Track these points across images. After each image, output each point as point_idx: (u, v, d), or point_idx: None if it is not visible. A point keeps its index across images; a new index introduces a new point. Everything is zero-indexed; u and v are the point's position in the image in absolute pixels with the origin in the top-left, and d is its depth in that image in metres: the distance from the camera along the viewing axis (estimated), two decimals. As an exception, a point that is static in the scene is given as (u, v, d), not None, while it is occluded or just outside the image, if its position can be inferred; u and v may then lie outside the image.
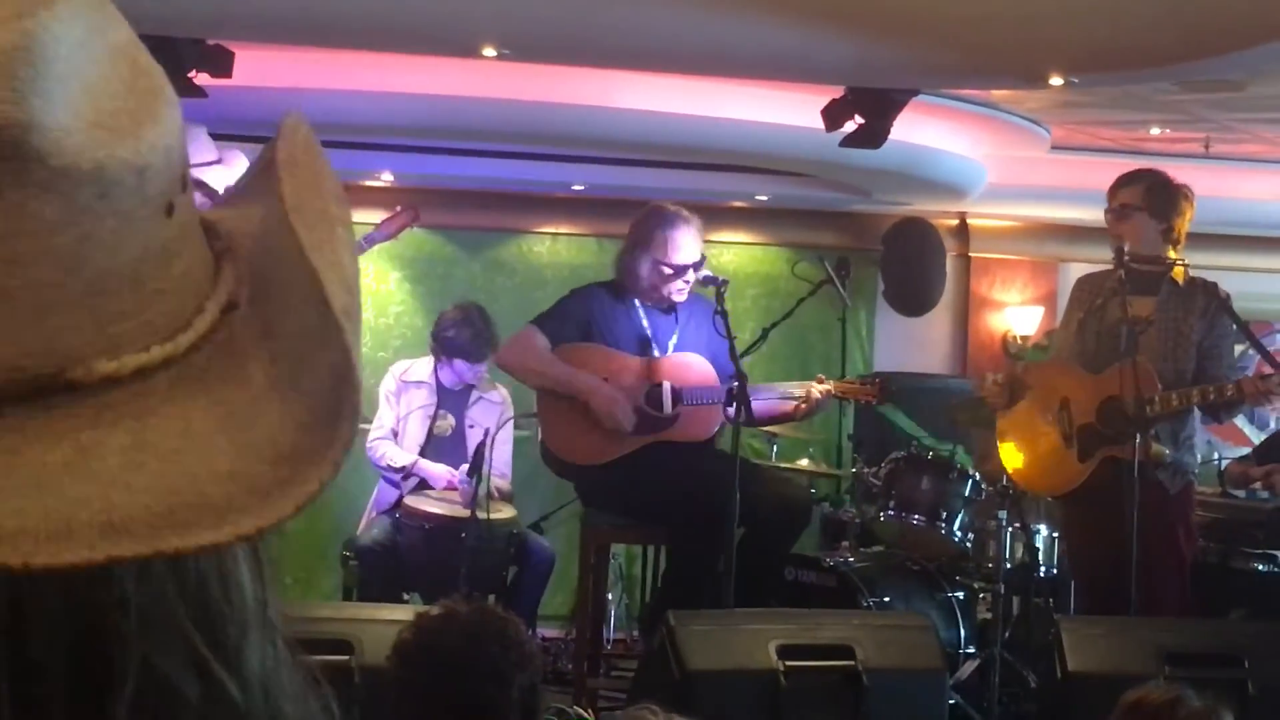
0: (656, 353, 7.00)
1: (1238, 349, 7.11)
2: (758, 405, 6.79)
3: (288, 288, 0.87)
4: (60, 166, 0.79)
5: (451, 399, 8.36)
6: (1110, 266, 6.78)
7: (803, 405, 7.00)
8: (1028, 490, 7.31)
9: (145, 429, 0.82)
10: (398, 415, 8.29)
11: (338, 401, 0.84)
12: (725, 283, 6.91)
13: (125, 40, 0.86)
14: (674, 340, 7.03)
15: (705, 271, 6.98)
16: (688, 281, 6.96)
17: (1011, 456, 6.95)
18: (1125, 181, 6.83)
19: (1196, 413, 6.66)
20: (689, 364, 6.99)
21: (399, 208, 7.91)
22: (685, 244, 6.96)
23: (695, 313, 7.04)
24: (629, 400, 6.88)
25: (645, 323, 7.02)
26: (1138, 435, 6.23)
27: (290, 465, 0.82)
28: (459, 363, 8.23)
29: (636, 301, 7.03)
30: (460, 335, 8.19)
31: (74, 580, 0.77)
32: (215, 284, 0.88)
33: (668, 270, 6.93)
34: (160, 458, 0.81)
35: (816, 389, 7.00)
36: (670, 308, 7.06)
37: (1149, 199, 6.70)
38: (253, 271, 0.90)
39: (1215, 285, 6.75)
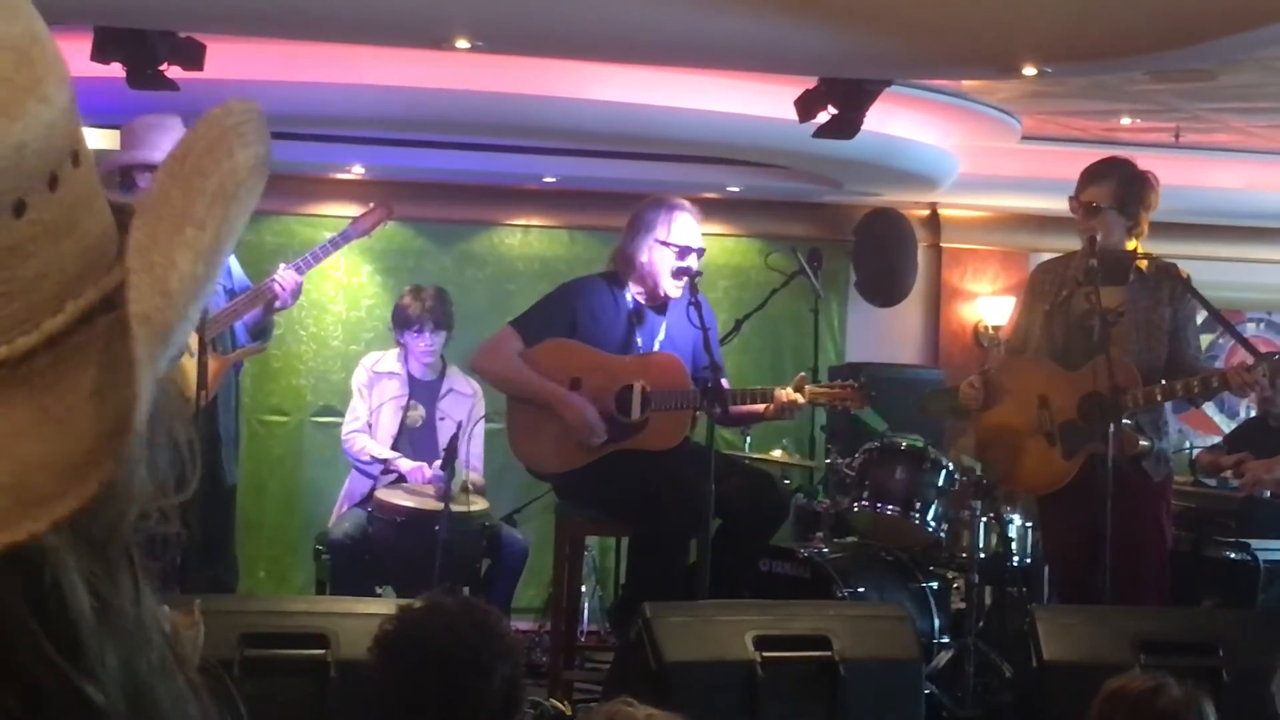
0: (639, 345, 6.96)
1: (1208, 336, 7.12)
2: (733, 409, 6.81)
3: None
4: None
5: (422, 390, 8.36)
6: (1068, 255, 6.80)
7: (771, 408, 6.96)
8: (1013, 490, 7.33)
9: None
10: (370, 407, 8.29)
11: (122, 414, 0.81)
12: (698, 274, 6.91)
13: (19, 33, 0.84)
14: (660, 337, 7.00)
15: (690, 270, 6.94)
16: (689, 267, 6.90)
17: (994, 457, 6.96)
18: (1094, 177, 6.79)
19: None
20: (663, 365, 6.93)
21: (372, 204, 7.91)
22: (687, 225, 6.97)
23: (679, 308, 7.00)
24: (599, 405, 6.84)
25: (635, 316, 6.98)
26: (1110, 427, 6.23)
27: (71, 479, 0.80)
28: (412, 339, 8.27)
29: (630, 294, 6.99)
30: (410, 307, 8.27)
31: None
32: (100, 280, 0.86)
33: (672, 249, 6.90)
34: None
35: (785, 396, 6.92)
36: (663, 305, 7.00)
37: (1118, 196, 6.69)
38: None
39: (1175, 267, 6.73)
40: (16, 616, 0.80)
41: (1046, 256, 7.54)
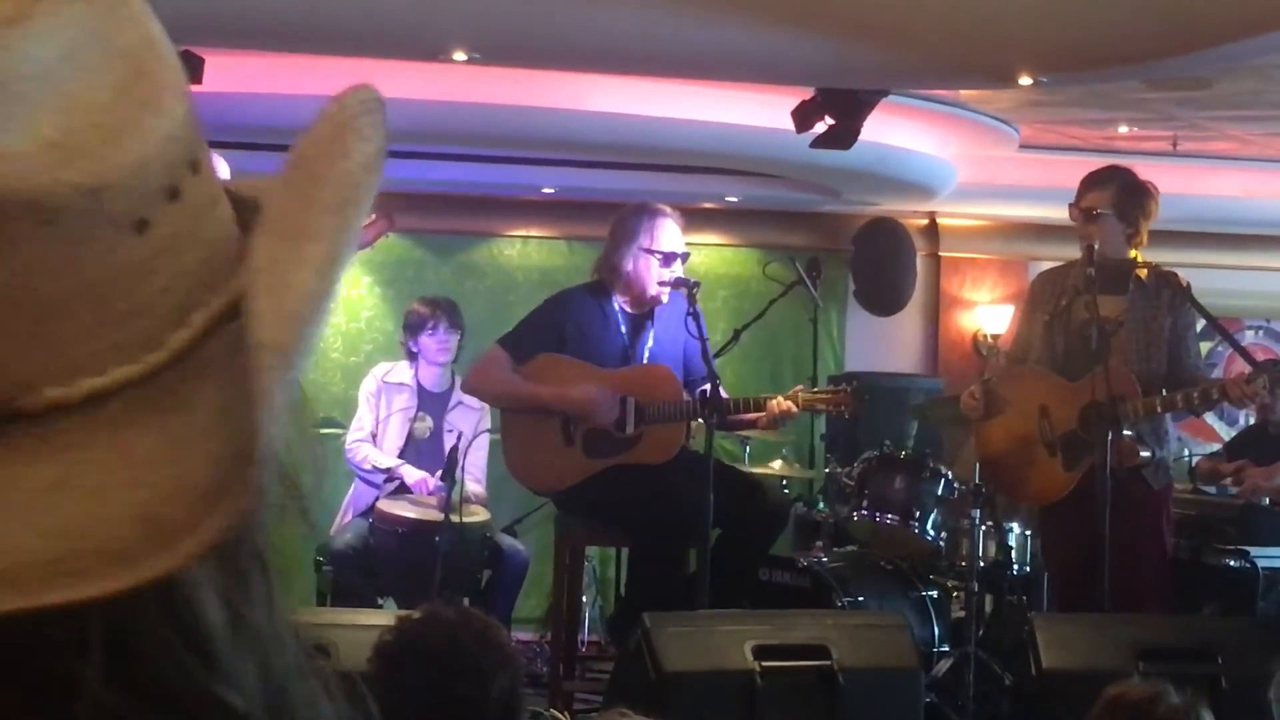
0: (627, 357, 6.94)
1: (1206, 345, 7.13)
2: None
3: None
4: None
5: (431, 402, 8.37)
6: (1068, 264, 6.80)
7: (764, 418, 6.94)
8: (1015, 502, 7.33)
9: (78, 462, 0.78)
10: (377, 418, 8.29)
11: (251, 443, 0.78)
12: (697, 285, 6.89)
13: (136, 40, 0.82)
14: (649, 344, 6.99)
15: (678, 273, 6.94)
16: (673, 275, 6.88)
17: (996, 468, 6.96)
18: (1094, 183, 6.78)
19: (1173, 408, 6.67)
20: (655, 377, 6.89)
21: (374, 215, 7.90)
22: (671, 231, 6.94)
23: (665, 314, 6.99)
24: (609, 396, 6.82)
25: (624, 326, 6.97)
26: (1109, 435, 6.24)
27: (205, 509, 0.78)
28: (426, 339, 8.27)
29: (616, 304, 6.98)
30: (423, 310, 8.28)
31: (16, 624, 0.74)
32: (223, 287, 0.84)
33: (656, 256, 6.87)
34: (79, 496, 0.77)
35: (778, 406, 6.90)
36: (648, 312, 6.99)
37: (1117, 202, 6.67)
38: None
39: (1175, 275, 6.73)
40: (157, 634, 0.80)
41: (1045, 265, 7.56)
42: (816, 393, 7.26)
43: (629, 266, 6.91)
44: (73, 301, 0.78)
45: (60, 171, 0.77)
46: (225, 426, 0.80)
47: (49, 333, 0.78)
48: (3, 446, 0.77)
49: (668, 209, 7.06)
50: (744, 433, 8.12)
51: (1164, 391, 6.44)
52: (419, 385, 8.37)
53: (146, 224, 0.80)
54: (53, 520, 0.76)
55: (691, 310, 6.71)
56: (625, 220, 7.01)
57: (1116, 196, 6.69)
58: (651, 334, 6.98)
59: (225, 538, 0.78)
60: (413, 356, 8.39)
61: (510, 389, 6.89)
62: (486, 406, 8.36)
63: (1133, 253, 6.71)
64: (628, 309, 6.97)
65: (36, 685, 0.78)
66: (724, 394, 6.68)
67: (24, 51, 0.77)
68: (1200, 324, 6.82)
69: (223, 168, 6.63)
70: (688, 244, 7.14)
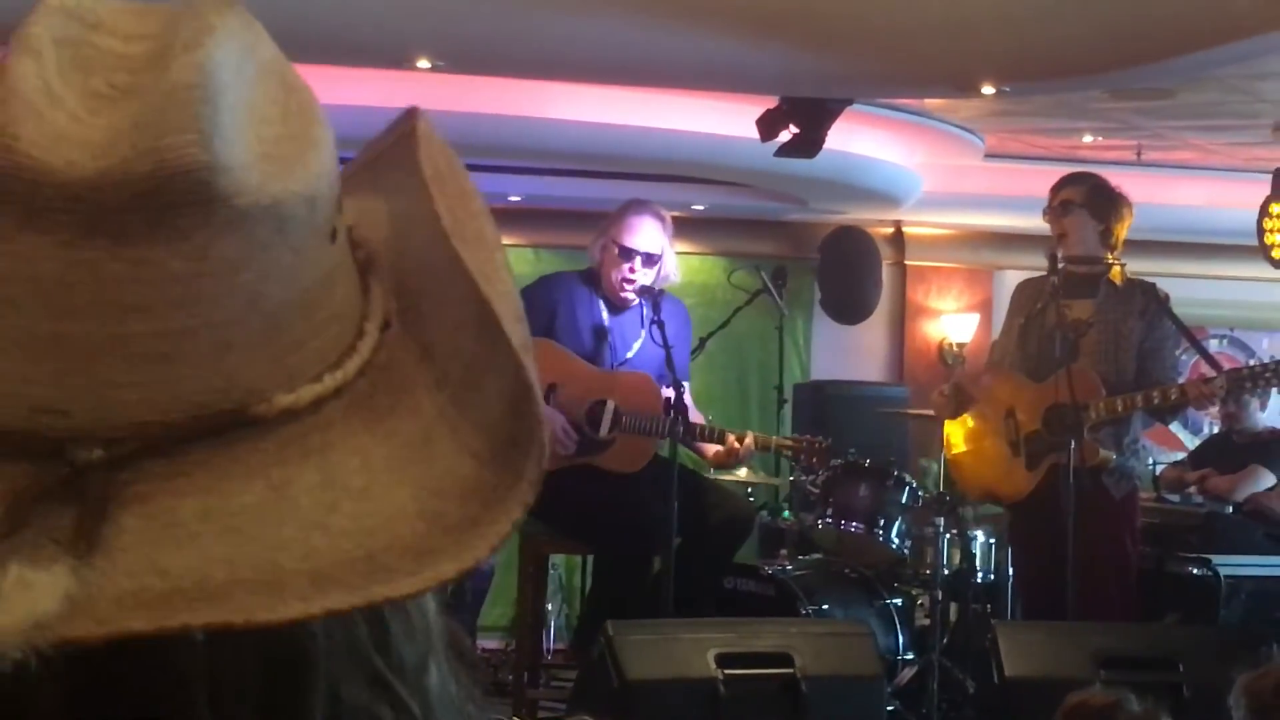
0: (612, 351, 6.90)
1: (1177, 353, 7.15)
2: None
3: (444, 308, 0.85)
4: (243, 206, 0.77)
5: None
6: (1048, 272, 6.84)
7: (720, 452, 6.91)
8: (978, 500, 7.35)
9: (329, 465, 0.80)
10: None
11: (517, 437, 0.81)
12: (662, 292, 6.85)
13: (273, 57, 0.85)
14: (638, 344, 6.92)
15: (641, 272, 6.84)
16: (634, 271, 6.79)
17: (960, 467, 6.99)
18: (1068, 181, 6.88)
19: (1139, 416, 6.68)
20: (639, 387, 6.81)
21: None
22: (641, 229, 6.82)
23: (669, 321, 6.89)
24: (570, 415, 6.78)
25: (605, 316, 6.91)
26: (1073, 440, 6.26)
27: (479, 502, 0.81)
28: None
29: (600, 294, 6.93)
30: None
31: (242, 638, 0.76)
32: (367, 301, 0.87)
33: (615, 250, 6.82)
34: (351, 496, 0.79)
35: (744, 444, 6.85)
36: (638, 313, 6.92)
37: (1091, 198, 6.74)
38: (395, 284, 0.88)
39: (1154, 286, 6.79)
40: (363, 640, 0.82)
41: (1011, 274, 7.58)
42: (789, 440, 7.25)
43: (597, 256, 6.89)
44: (293, 308, 0.81)
45: (286, 181, 0.80)
46: (456, 425, 0.83)
47: (273, 339, 0.81)
48: (249, 451, 0.79)
49: (655, 210, 6.96)
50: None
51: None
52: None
53: (335, 233, 0.84)
54: (341, 521, 0.78)
55: (655, 319, 6.67)
56: (611, 213, 6.99)
57: (1089, 192, 6.76)
58: (642, 334, 6.91)
59: (507, 535, 0.81)
60: None
61: None
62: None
63: (1109, 257, 6.74)
64: (607, 301, 6.92)
65: (273, 676, 0.80)
66: (689, 402, 6.67)
67: (222, 63, 0.79)
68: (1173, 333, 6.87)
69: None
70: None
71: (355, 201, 0.91)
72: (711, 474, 8.40)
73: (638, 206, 6.95)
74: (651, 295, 6.73)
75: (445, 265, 0.84)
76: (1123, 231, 6.79)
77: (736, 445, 6.80)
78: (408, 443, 0.82)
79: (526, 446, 0.81)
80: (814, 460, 7.11)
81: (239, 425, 0.79)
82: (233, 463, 0.78)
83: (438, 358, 0.85)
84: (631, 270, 6.76)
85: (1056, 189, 6.85)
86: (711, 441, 6.88)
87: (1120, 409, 6.45)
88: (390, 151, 0.92)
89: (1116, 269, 6.74)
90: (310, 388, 0.81)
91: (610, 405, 6.78)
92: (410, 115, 0.93)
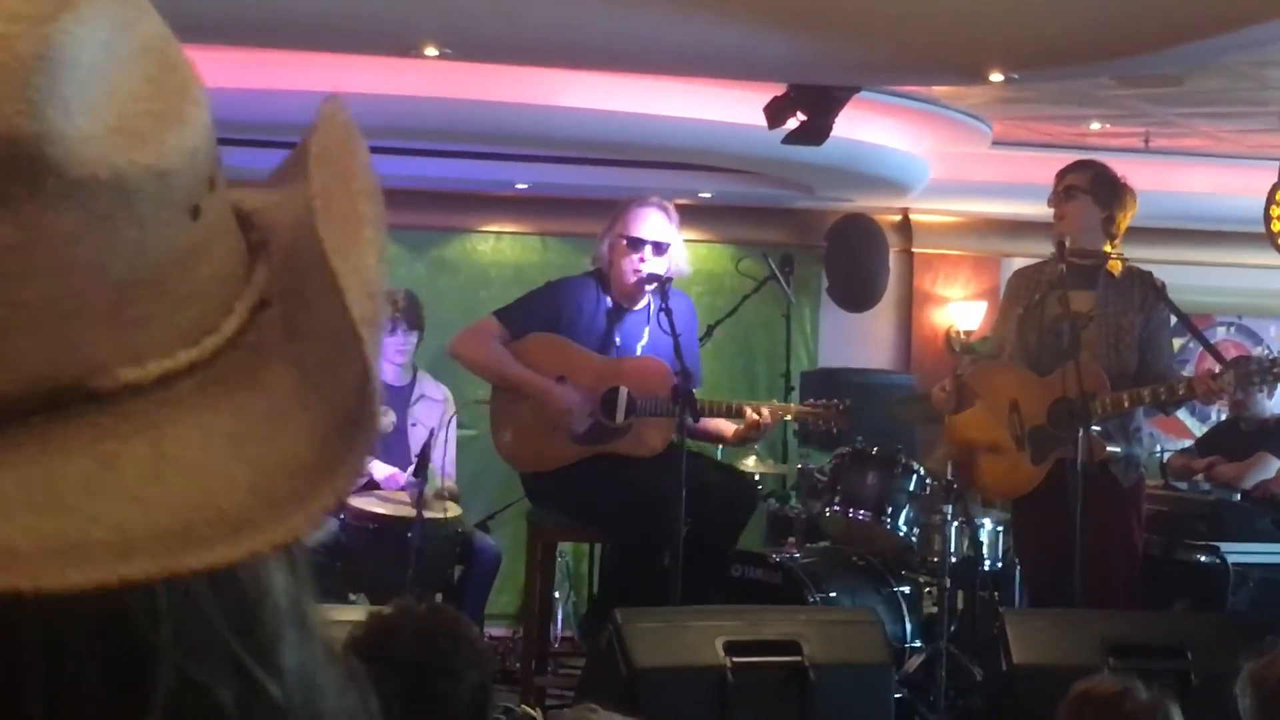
0: (619, 350, 6.90)
1: (1177, 342, 7.14)
2: (699, 425, 6.79)
3: (316, 289, 0.84)
4: (77, 177, 0.77)
5: (394, 396, 8.34)
6: (1044, 260, 6.82)
7: (740, 429, 6.91)
8: (983, 496, 7.34)
9: (165, 439, 0.80)
10: (341, 414, 8.26)
11: (356, 413, 0.81)
12: (668, 280, 6.86)
13: (155, 33, 0.84)
14: (643, 341, 6.94)
15: (652, 263, 6.85)
16: (644, 260, 6.81)
17: (965, 462, 6.97)
18: (1073, 167, 6.86)
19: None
20: (651, 371, 6.83)
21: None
22: (646, 218, 6.85)
23: (677, 317, 6.89)
24: (585, 403, 6.80)
25: (606, 317, 6.91)
26: (1080, 432, 6.25)
27: (307, 478, 0.80)
28: (385, 341, 8.21)
29: (607, 295, 6.94)
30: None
31: (106, 595, 0.75)
32: (248, 281, 0.87)
33: (623, 243, 6.84)
34: (179, 470, 0.79)
35: (763, 415, 6.86)
36: (643, 308, 6.91)
37: (1095, 184, 6.73)
38: (287, 267, 0.88)
39: (1150, 275, 6.77)
40: (211, 613, 0.81)
41: (1018, 261, 7.56)
42: (807, 405, 7.24)
43: (605, 255, 6.90)
44: (141, 284, 0.80)
45: (133, 154, 0.79)
46: (306, 404, 0.83)
47: (119, 314, 0.80)
48: (84, 425, 0.79)
49: (658, 201, 6.99)
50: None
51: (1133, 388, 6.46)
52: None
53: (199, 210, 0.83)
54: (160, 493, 0.77)
55: (663, 306, 6.68)
56: (614, 210, 7.00)
57: (1094, 179, 6.75)
58: (647, 332, 6.92)
59: (329, 509, 0.80)
60: None
61: (494, 364, 6.87)
62: (448, 398, 8.35)
63: (1108, 246, 6.73)
64: (615, 301, 6.93)
65: (113, 657, 0.78)
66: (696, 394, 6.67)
67: (80, 36, 0.78)
68: (1173, 321, 6.85)
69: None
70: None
71: (281, 191, 0.91)
72: (719, 454, 8.43)
73: (639, 199, 6.97)
74: (660, 286, 6.74)
75: (314, 244, 0.84)
76: (1125, 221, 6.78)
77: (756, 417, 6.82)
78: (256, 420, 0.82)
79: (360, 425, 0.81)
80: (834, 424, 7.10)
81: (80, 400, 0.79)
82: (66, 436, 0.78)
83: (306, 337, 0.85)
84: (641, 260, 6.78)
85: (1062, 174, 6.85)
86: (730, 417, 6.90)
87: (1127, 405, 6.44)
88: (307, 139, 0.91)
89: (1114, 261, 6.73)
90: (159, 363, 0.81)
91: (623, 392, 6.79)
92: (324, 102, 0.92)
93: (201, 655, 0.81)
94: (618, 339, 6.92)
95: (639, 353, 6.92)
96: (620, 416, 6.80)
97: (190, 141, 0.82)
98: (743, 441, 7.20)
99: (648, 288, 6.82)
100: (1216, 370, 6.45)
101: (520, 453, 6.96)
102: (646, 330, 6.92)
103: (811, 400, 7.46)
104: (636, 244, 6.80)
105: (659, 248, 6.82)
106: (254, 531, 0.78)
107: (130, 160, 0.79)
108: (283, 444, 0.81)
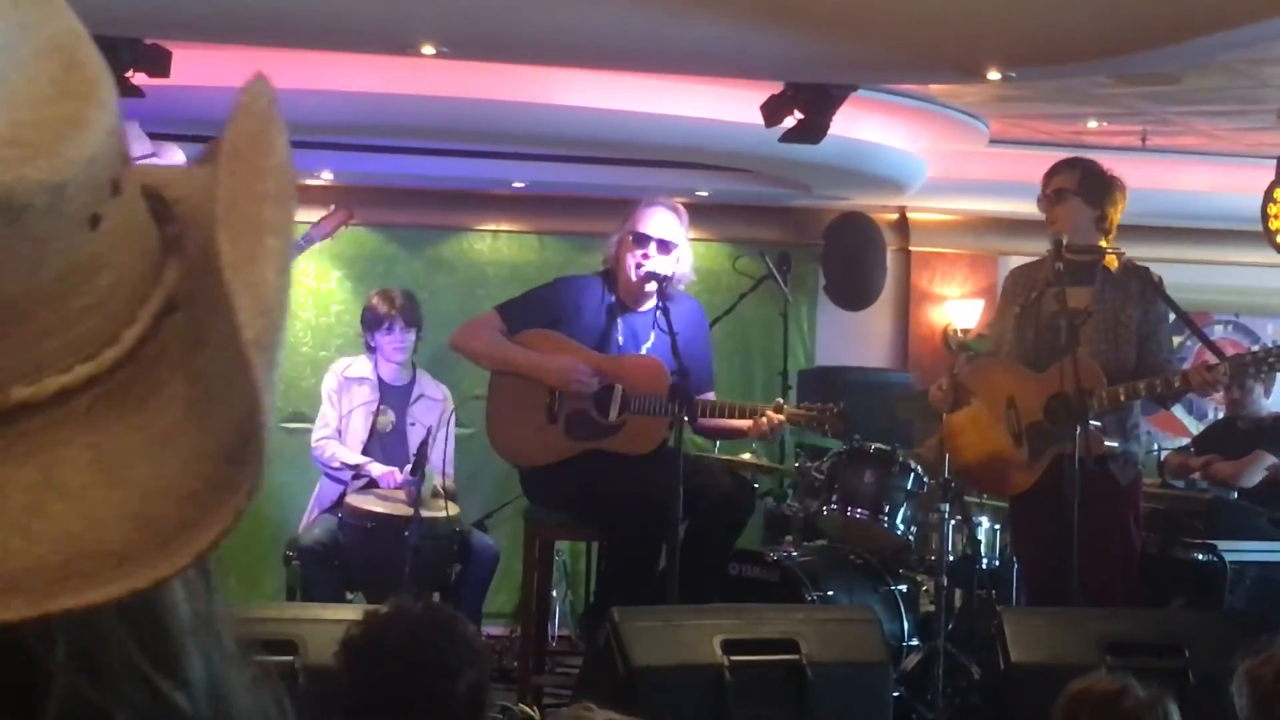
0: (617, 345, 6.91)
1: (1176, 339, 7.14)
2: (707, 421, 6.80)
3: (219, 296, 0.80)
4: None
5: (393, 395, 8.34)
6: (1041, 258, 6.82)
7: (754, 426, 6.90)
8: (981, 493, 7.33)
9: (55, 462, 0.77)
10: (340, 413, 8.26)
11: (244, 440, 0.78)
12: (667, 279, 6.86)
13: (62, 31, 0.81)
14: (649, 343, 6.94)
15: (656, 261, 6.85)
16: (647, 256, 6.82)
17: (963, 459, 6.97)
18: (1060, 168, 6.84)
19: (1140, 401, 6.67)
20: (646, 369, 6.84)
21: (333, 206, 7.93)
22: (654, 216, 6.88)
23: (682, 319, 6.89)
24: (578, 403, 6.80)
25: (617, 315, 6.92)
26: (1078, 429, 6.25)
27: (196, 506, 0.77)
28: (382, 337, 8.24)
29: (614, 293, 6.94)
30: (379, 306, 8.25)
31: None
32: (158, 281, 0.83)
33: (630, 239, 6.85)
34: (65, 497, 0.76)
35: (773, 416, 6.85)
36: (651, 309, 6.92)
37: (1083, 184, 6.71)
38: (203, 263, 0.84)
39: (1147, 270, 6.76)
40: (116, 634, 0.79)
41: (1015, 259, 7.56)
42: (802, 409, 7.22)
43: (613, 252, 6.93)
44: (35, 300, 0.78)
45: (23, 169, 0.76)
46: (202, 422, 0.80)
47: (12, 332, 0.77)
48: None
49: (670, 203, 7.03)
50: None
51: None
52: (379, 379, 8.35)
53: (99, 219, 0.80)
54: (44, 524, 0.75)
55: (661, 305, 6.70)
56: (626, 209, 7.03)
57: (1081, 178, 6.73)
58: (653, 334, 6.92)
59: (215, 545, 0.77)
60: (372, 350, 8.38)
61: (492, 349, 6.89)
62: (448, 397, 8.35)
63: (1103, 242, 6.73)
64: (619, 300, 6.93)
65: (4, 689, 0.77)
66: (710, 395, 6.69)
67: None
68: (1171, 318, 6.85)
69: (181, 159, 6.63)
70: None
71: (202, 173, 0.87)
72: (716, 451, 8.44)
73: (650, 200, 7.03)
74: (661, 286, 6.73)
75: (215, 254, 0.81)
76: (1117, 216, 6.77)
77: (775, 416, 6.82)
78: (150, 439, 0.79)
79: (252, 449, 0.78)
80: (828, 428, 7.09)
81: None
82: None
83: (210, 345, 0.82)
84: (645, 256, 6.80)
85: (1049, 176, 6.82)
86: (730, 419, 6.89)
87: (1123, 398, 6.44)
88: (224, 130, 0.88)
89: (1111, 257, 6.73)
90: (55, 379, 0.78)
91: (618, 389, 6.80)
92: (245, 86, 0.88)
93: (102, 673, 0.79)
94: (620, 339, 6.93)
95: (642, 352, 6.92)
96: (614, 413, 6.80)
97: (88, 149, 0.79)
98: (761, 439, 7.20)
99: (648, 287, 6.82)
100: (1212, 363, 6.45)
101: (514, 445, 6.97)
102: (653, 334, 6.92)
103: (805, 404, 7.44)
104: (642, 240, 6.82)
105: (664, 246, 6.84)
106: (135, 567, 0.75)
107: (19, 176, 0.76)
108: (170, 467, 0.78)
